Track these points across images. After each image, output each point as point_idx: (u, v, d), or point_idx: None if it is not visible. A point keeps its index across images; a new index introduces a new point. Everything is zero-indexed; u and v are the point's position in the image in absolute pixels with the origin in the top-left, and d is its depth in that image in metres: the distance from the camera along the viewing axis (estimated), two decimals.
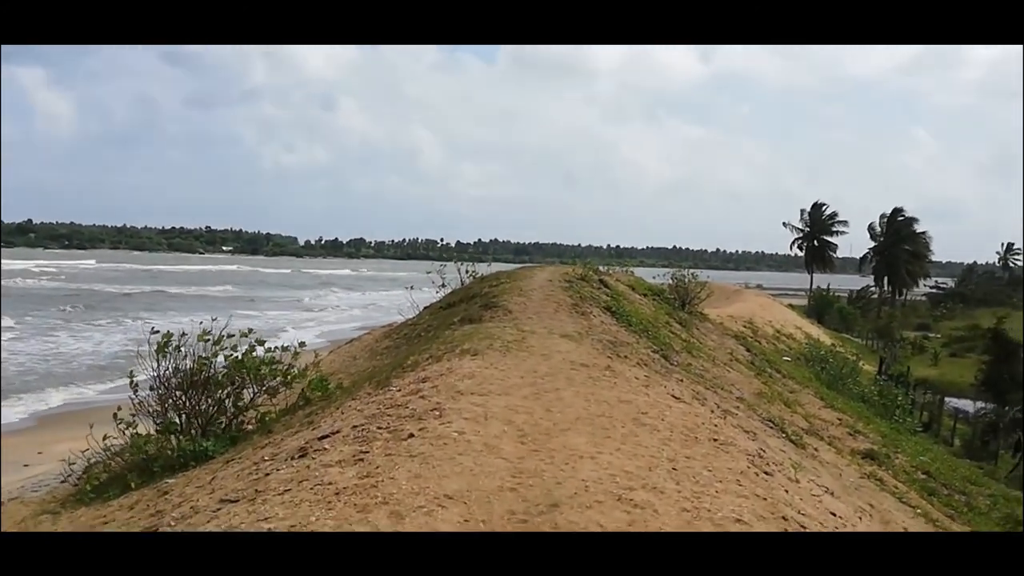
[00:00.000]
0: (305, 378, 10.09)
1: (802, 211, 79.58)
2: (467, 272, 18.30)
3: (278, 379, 10.02)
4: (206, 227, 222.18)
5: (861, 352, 37.74)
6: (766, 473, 6.10)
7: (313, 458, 5.22)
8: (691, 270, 24.31)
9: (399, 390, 7.10)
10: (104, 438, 9.07)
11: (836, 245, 79.92)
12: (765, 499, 5.08)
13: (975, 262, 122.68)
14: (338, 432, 5.85)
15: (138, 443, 9.00)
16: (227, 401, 9.74)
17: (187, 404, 9.54)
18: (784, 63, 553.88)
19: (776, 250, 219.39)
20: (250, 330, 10.65)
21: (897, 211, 77.77)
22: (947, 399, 33.61)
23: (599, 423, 6.11)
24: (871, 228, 78.32)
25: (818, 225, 78.42)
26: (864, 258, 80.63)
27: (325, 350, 21.22)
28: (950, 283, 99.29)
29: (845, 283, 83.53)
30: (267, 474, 5.23)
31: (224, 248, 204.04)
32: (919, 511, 10.83)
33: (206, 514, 4.77)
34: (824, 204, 79.65)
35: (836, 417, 16.62)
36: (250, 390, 9.93)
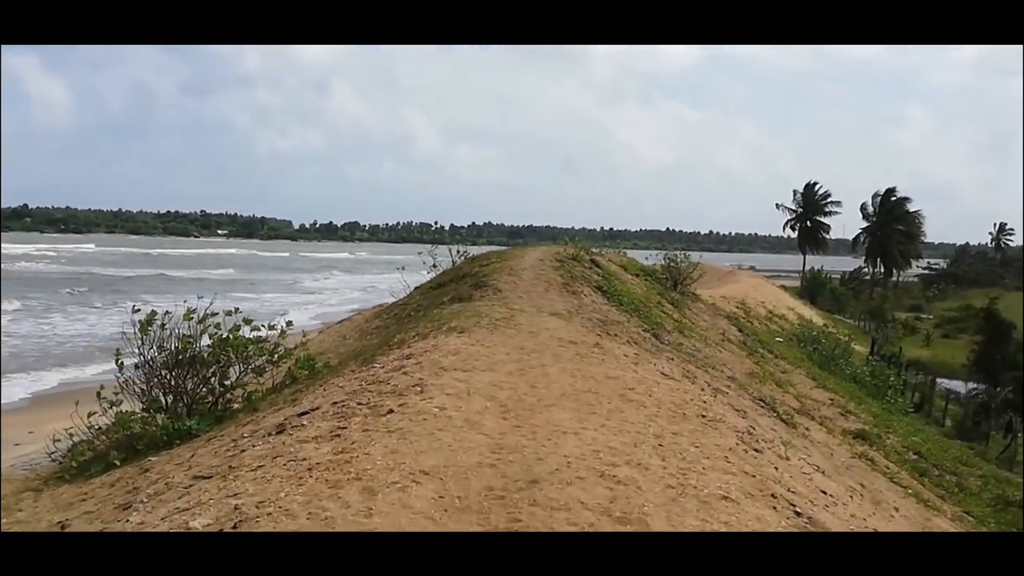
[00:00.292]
0: (292, 357, 10.01)
1: (795, 192, 79.28)
2: (458, 253, 18.15)
3: (264, 358, 9.95)
4: (201, 211, 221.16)
5: (853, 333, 37.64)
6: (755, 450, 6.00)
7: (290, 434, 5.10)
8: (684, 252, 24.16)
9: (382, 367, 6.98)
10: (88, 415, 8.98)
11: (829, 226, 79.73)
12: (754, 476, 4.97)
13: (968, 243, 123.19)
14: (318, 408, 5.73)
15: (123, 421, 8.92)
16: (213, 380, 9.68)
17: (172, 383, 9.46)
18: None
19: (769, 232, 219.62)
20: (236, 309, 10.53)
21: (890, 191, 77.60)
22: (939, 380, 33.63)
23: (584, 399, 5.99)
24: (863, 208, 78.18)
25: (811, 206, 78.16)
26: (857, 239, 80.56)
27: (319, 331, 21.13)
28: (943, 264, 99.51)
29: (838, 264, 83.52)
30: (243, 451, 5.11)
31: (219, 232, 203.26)
32: (910, 491, 10.77)
33: (178, 490, 4.64)
34: (817, 184, 79.35)
35: (828, 397, 16.56)
36: (236, 369, 9.85)
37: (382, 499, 3.72)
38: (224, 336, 9.76)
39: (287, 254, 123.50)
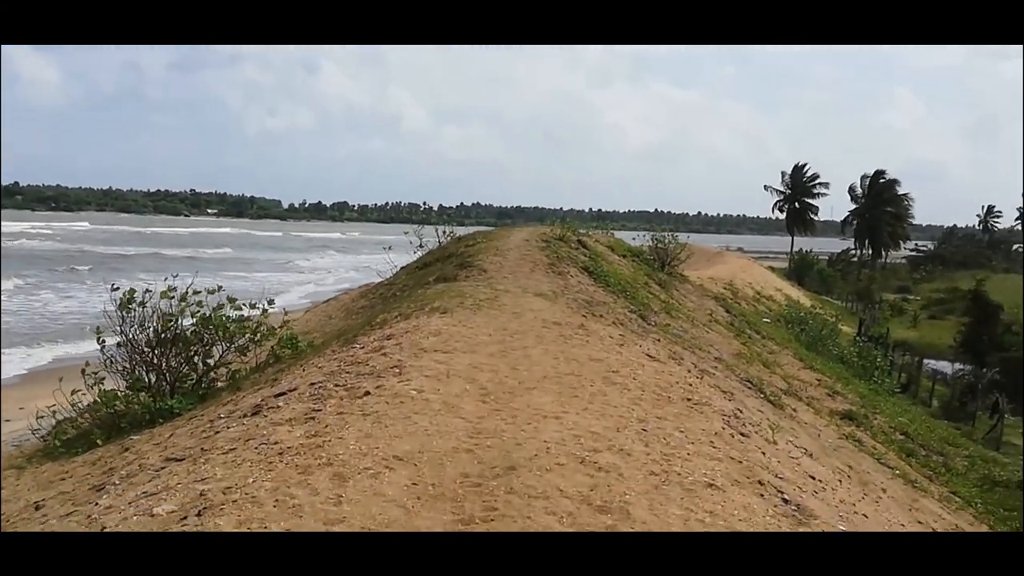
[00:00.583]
0: (275, 336, 9.89)
1: (783, 173, 79.21)
2: (445, 233, 17.99)
3: (247, 336, 9.82)
4: (191, 190, 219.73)
5: (841, 314, 37.72)
6: (742, 434, 5.89)
7: (265, 416, 4.95)
8: (672, 232, 24.01)
9: (362, 347, 6.83)
10: (72, 393, 8.85)
11: (817, 207, 79.71)
12: (740, 462, 4.86)
13: (955, 225, 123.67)
14: (295, 389, 5.58)
15: (106, 399, 8.81)
16: (196, 358, 9.56)
17: (154, 361, 9.34)
18: None
19: (758, 213, 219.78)
20: (219, 287, 10.39)
21: (879, 173, 77.50)
22: (926, 361, 33.71)
23: (567, 382, 5.86)
24: (852, 190, 78.05)
25: (799, 187, 78.08)
26: (845, 220, 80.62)
27: (305, 310, 20.95)
28: (930, 246, 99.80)
29: (826, 246, 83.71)
30: (217, 432, 4.97)
31: (209, 211, 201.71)
32: (897, 472, 10.74)
33: (149, 473, 4.49)
34: (805, 165, 79.22)
35: (815, 378, 16.53)
36: (220, 348, 9.72)
37: (353, 486, 3.58)
38: (206, 315, 9.62)
39: (280, 234, 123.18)
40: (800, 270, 61.05)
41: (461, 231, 19.20)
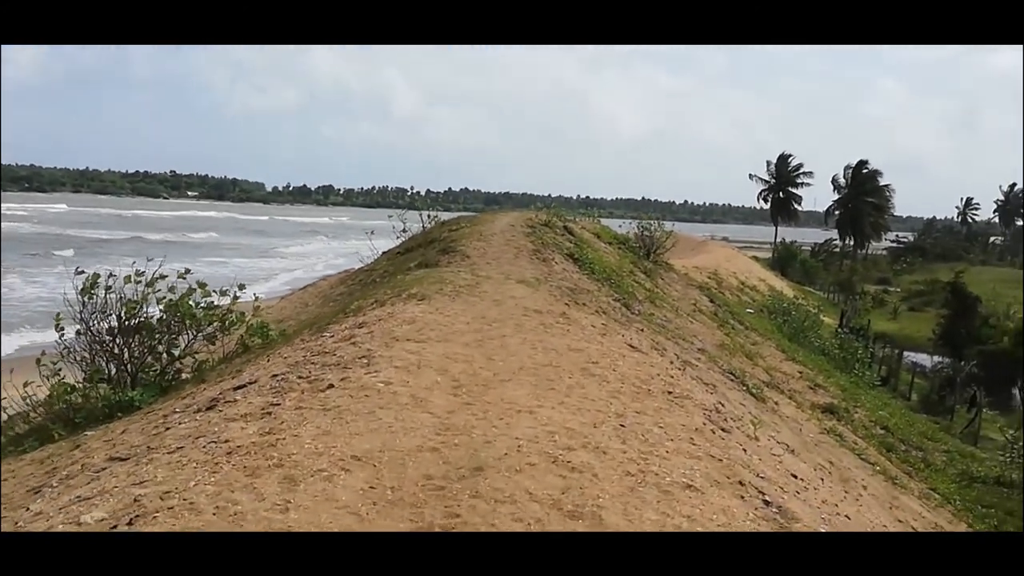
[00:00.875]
0: (243, 324, 9.54)
1: (768, 163, 79.35)
2: (429, 217, 17.62)
3: (215, 324, 9.46)
4: (171, 171, 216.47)
5: (823, 305, 37.63)
6: (723, 430, 5.67)
7: (220, 411, 4.65)
8: (658, 219, 23.78)
9: (332, 336, 6.53)
10: (24, 385, 8.46)
11: (801, 197, 79.95)
12: (720, 460, 4.63)
13: (935, 217, 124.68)
14: (255, 382, 5.29)
15: (60, 392, 8.41)
16: (160, 348, 9.16)
17: (116, 351, 8.95)
18: None
19: (743, 203, 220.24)
20: (187, 270, 10.00)
21: (861, 163, 77.57)
22: (905, 353, 33.75)
23: (544, 373, 5.60)
24: (835, 180, 78.19)
25: (784, 177, 78.23)
26: (828, 211, 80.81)
27: (281, 297, 20.58)
28: (910, 237, 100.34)
29: (809, 236, 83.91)
30: (168, 428, 4.66)
31: (190, 193, 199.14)
32: (878, 468, 10.61)
33: (88, 475, 4.17)
34: (790, 155, 79.35)
35: (797, 370, 16.40)
36: (186, 336, 9.35)
37: (303, 490, 3.29)
38: (172, 301, 9.24)
39: (265, 218, 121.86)
40: (783, 260, 61.09)
41: (447, 216, 18.85)
